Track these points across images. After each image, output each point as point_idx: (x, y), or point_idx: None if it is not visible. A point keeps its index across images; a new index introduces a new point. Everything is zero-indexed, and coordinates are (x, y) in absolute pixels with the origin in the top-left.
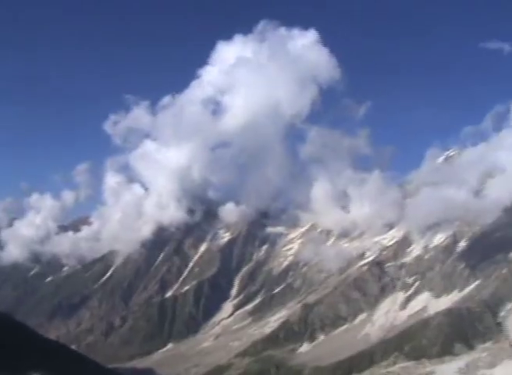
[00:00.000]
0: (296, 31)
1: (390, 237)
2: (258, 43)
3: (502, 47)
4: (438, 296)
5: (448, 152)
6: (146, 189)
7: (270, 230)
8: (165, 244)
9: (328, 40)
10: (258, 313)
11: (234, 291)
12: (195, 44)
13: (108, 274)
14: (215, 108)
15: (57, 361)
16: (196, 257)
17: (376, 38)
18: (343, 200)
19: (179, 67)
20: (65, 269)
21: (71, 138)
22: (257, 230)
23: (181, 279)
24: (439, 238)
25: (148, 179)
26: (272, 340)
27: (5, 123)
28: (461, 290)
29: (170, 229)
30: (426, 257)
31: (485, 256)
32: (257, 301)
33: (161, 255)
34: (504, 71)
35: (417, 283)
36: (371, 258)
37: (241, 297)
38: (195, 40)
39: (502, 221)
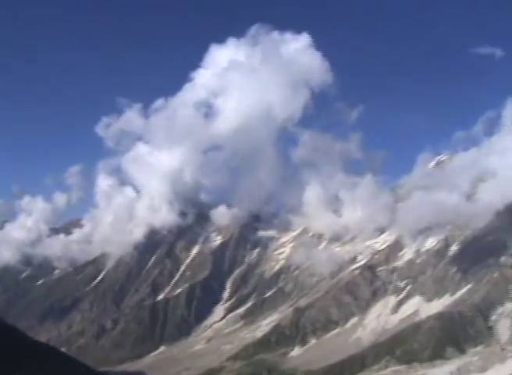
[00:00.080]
0: (288, 35)
1: (382, 241)
2: (251, 46)
3: (493, 52)
4: (429, 300)
5: (440, 157)
6: (138, 192)
7: (262, 233)
8: (156, 246)
9: (320, 44)
10: (250, 317)
11: (226, 294)
12: (188, 47)
13: (100, 277)
14: (208, 111)
15: (47, 364)
16: (188, 260)
17: (369, 43)
18: (334, 204)
19: (172, 70)
20: (57, 271)
21: (63, 141)
22: (249, 233)
23: (173, 282)
24: (431, 242)
25: (140, 182)
26: (264, 343)
27: None
28: (453, 294)
29: (162, 232)
30: (418, 261)
31: (476, 260)
32: (248, 304)
33: (153, 258)
34: (496, 76)
35: (408, 287)
36: (362, 262)
37: (233, 300)
38: (188, 43)
39: (493, 225)
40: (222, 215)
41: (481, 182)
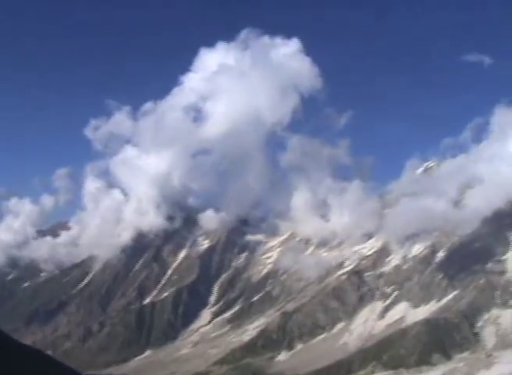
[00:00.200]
0: (278, 40)
1: (369, 247)
2: (241, 51)
3: (482, 59)
4: (416, 306)
5: (428, 163)
6: (126, 195)
7: (249, 237)
8: (144, 250)
9: (310, 49)
10: (237, 321)
11: (213, 299)
12: (178, 50)
13: (87, 280)
14: (197, 115)
15: (33, 367)
16: (175, 264)
17: (358, 49)
18: (322, 209)
19: (162, 73)
20: (43, 274)
21: (51, 143)
22: (237, 237)
23: (160, 285)
24: (418, 248)
25: (128, 185)
26: (250, 348)
27: None
28: (439, 300)
29: (149, 235)
30: (405, 267)
31: (463, 267)
32: (235, 308)
33: (140, 262)
34: (484, 83)
35: (395, 293)
36: (349, 268)
37: (220, 304)
38: (178, 46)
39: (480, 232)
40: (209, 219)
41: (469, 189)
